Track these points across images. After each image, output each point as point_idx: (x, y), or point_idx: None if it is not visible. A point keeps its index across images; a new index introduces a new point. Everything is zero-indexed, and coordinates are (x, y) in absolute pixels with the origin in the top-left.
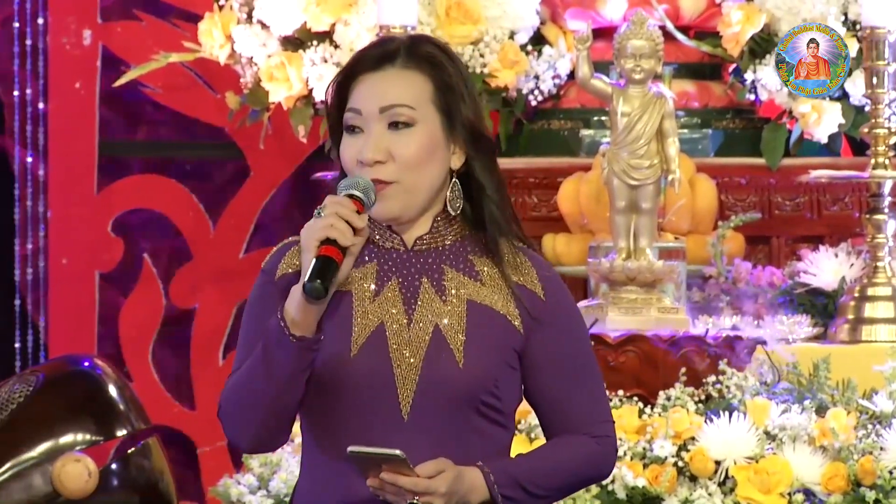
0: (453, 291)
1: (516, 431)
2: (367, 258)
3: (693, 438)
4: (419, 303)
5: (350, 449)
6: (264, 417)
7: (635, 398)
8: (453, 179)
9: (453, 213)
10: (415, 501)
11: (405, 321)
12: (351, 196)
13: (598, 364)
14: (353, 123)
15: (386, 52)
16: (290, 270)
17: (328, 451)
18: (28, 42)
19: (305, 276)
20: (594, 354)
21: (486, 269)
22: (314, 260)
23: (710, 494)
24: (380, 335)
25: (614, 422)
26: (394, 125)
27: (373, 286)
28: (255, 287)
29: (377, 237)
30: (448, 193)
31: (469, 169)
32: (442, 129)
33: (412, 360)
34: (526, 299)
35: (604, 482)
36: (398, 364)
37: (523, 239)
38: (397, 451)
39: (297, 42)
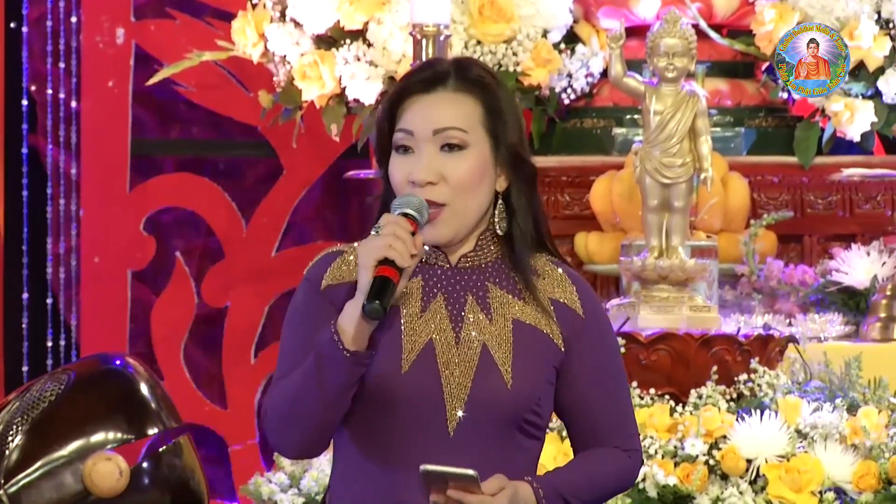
0: (499, 310)
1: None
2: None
3: (724, 437)
4: (465, 321)
5: (423, 467)
6: (311, 429)
7: (667, 396)
8: (499, 201)
9: (501, 234)
10: None
11: (453, 339)
12: (405, 215)
13: (630, 362)
14: (404, 144)
15: (436, 74)
16: (337, 282)
17: (371, 461)
18: (61, 40)
19: (364, 296)
20: (624, 367)
21: (527, 286)
22: (373, 279)
23: (741, 493)
24: (429, 352)
25: (640, 434)
26: (446, 147)
27: (419, 303)
28: (298, 294)
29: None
30: (496, 214)
31: (508, 192)
32: (491, 151)
33: (461, 379)
34: (566, 316)
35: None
36: (447, 382)
37: (557, 256)
38: (471, 472)
39: (329, 41)
